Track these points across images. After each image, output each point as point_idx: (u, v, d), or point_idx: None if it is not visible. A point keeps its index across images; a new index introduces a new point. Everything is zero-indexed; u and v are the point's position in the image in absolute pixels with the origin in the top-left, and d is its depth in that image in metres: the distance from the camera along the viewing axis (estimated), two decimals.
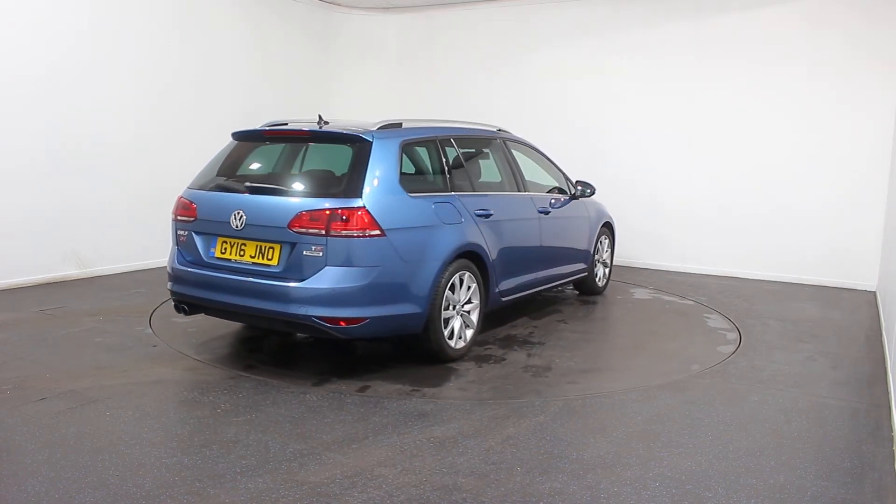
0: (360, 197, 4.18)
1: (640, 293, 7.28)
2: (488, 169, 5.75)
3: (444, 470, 3.17)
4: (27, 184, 6.58)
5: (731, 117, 8.18)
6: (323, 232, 4.10)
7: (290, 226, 4.18)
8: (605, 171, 8.53)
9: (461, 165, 5.18)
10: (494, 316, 6.02)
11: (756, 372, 4.75)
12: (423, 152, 5.02)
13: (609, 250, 7.21)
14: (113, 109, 7.25)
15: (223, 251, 4.48)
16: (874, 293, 7.53)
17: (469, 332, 4.91)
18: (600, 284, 7.08)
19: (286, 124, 5.01)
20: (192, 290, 4.59)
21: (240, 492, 2.92)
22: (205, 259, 4.55)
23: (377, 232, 4.17)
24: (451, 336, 4.73)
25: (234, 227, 4.38)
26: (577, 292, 7.13)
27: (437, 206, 4.66)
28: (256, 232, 4.32)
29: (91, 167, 7.09)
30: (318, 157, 4.99)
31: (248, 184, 4.65)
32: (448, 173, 4.95)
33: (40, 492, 2.87)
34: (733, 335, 5.58)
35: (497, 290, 5.21)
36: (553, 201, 6.08)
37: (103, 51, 7.10)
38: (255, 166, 4.96)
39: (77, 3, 6.84)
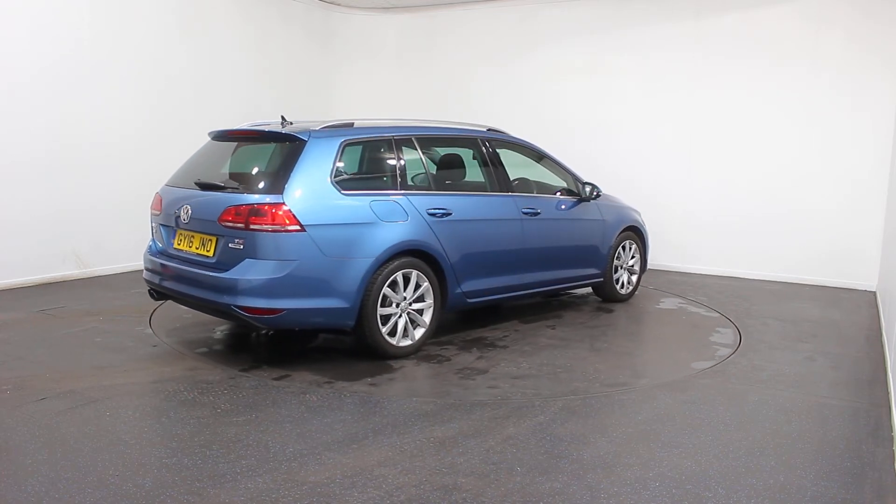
0: (282, 194, 4.34)
1: (669, 302, 6.87)
2: (461, 169, 5.70)
3: (444, 470, 3.17)
4: (27, 184, 6.59)
5: (732, 117, 8.18)
6: (243, 226, 4.32)
7: (219, 220, 4.44)
8: (605, 170, 8.50)
9: (420, 165, 5.17)
10: (480, 316, 6.02)
11: (756, 372, 4.75)
12: (370, 151, 5.10)
13: (637, 256, 6.86)
14: (113, 109, 7.26)
15: (179, 242, 4.80)
16: (874, 293, 7.53)
17: (419, 332, 4.91)
18: (623, 291, 6.76)
19: (269, 125, 5.12)
20: (157, 278, 4.92)
21: (240, 492, 2.92)
22: (167, 250, 4.89)
23: (296, 227, 4.31)
24: (393, 333, 4.75)
25: (182, 220, 4.70)
26: (600, 299, 6.84)
27: (377, 204, 4.68)
28: (199, 225, 4.61)
29: (91, 167, 7.09)
30: (269, 156, 5.05)
31: (197, 180, 4.85)
32: (399, 172, 4.96)
33: (40, 492, 2.87)
34: (725, 352, 5.23)
35: (460, 291, 5.16)
36: (549, 203, 5.94)
37: (104, 51, 7.11)
38: (213, 164, 5.10)
39: (78, 4, 6.85)
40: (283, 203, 4.30)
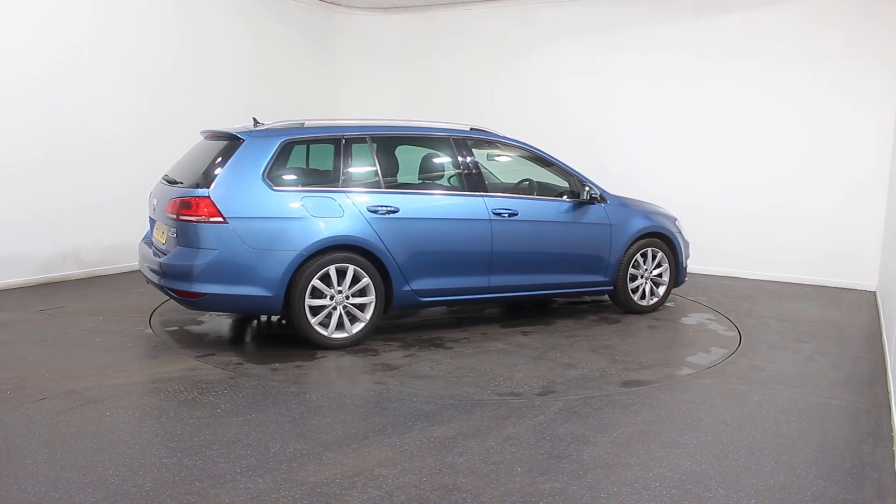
0: (208, 188, 4.71)
1: (693, 318, 6.24)
2: (425, 168, 5.66)
3: (444, 470, 3.17)
4: (27, 184, 6.58)
5: (732, 117, 8.17)
6: (175, 217, 4.74)
7: (165, 211, 4.92)
8: (605, 170, 8.47)
9: (371, 163, 5.22)
10: (469, 317, 5.98)
11: (756, 372, 4.75)
12: (313, 150, 5.37)
13: (664, 265, 6.31)
14: (113, 109, 7.25)
15: (155, 232, 5.25)
16: (874, 293, 7.52)
17: (358, 326, 5.01)
18: (644, 303, 6.24)
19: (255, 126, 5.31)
20: (143, 267, 5.30)
21: (240, 492, 2.92)
22: (150, 239, 5.38)
23: (218, 219, 4.66)
24: (327, 325, 4.92)
25: (154, 212, 5.22)
26: (621, 309, 6.33)
27: (310, 200, 4.89)
28: (160, 217, 5.08)
29: (91, 167, 7.09)
30: (217, 154, 5.16)
31: (164, 176, 5.31)
32: (342, 170, 5.10)
33: (40, 492, 2.87)
34: (687, 372, 4.71)
35: (410, 289, 5.17)
36: (535, 204, 5.77)
37: (104, 52, 7.10)
38: (193, 161, 5.28)
39: (78, 5, 6.85)
40: (208, 197, 4.67)
